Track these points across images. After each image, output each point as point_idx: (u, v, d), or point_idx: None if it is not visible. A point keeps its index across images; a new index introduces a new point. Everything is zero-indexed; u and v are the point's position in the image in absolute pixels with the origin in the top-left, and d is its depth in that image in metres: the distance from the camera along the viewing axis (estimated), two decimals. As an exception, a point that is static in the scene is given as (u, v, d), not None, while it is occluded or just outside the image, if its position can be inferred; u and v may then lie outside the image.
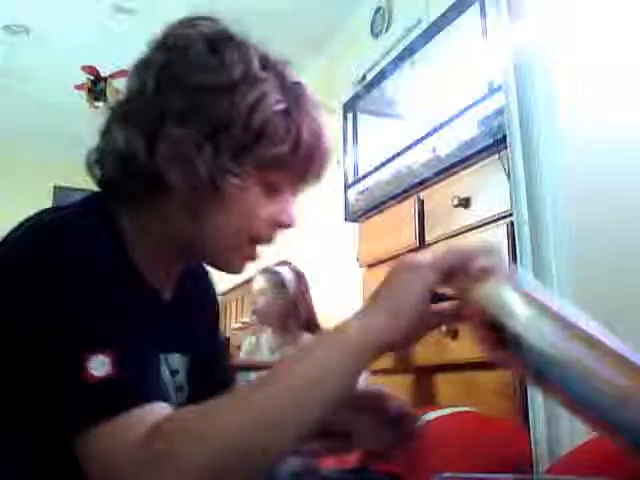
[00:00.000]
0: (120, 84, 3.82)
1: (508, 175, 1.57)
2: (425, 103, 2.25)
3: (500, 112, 1.66)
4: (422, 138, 2.09)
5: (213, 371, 0.89)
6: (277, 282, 2.53)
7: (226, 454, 0.56)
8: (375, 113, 2.73)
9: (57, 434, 0.60)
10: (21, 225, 0.70)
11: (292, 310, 2.51)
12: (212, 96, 0.69)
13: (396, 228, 2.14)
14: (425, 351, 1.81)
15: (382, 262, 2.15)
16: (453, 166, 1.92)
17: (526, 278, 0.63)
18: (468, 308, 0.62)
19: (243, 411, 0.57)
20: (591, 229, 1.36)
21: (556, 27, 1.49)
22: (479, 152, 1.80)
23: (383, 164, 2.30)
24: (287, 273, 2.56)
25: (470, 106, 1.87)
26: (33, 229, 0.68)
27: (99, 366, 0.58)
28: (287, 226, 0.77)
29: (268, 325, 2.61)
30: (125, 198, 0.74)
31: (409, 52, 2.33)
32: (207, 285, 0.95)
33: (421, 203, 2.05)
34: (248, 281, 2.86)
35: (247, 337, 2.83)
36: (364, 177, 2.44)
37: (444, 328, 1.70)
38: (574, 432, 1.26)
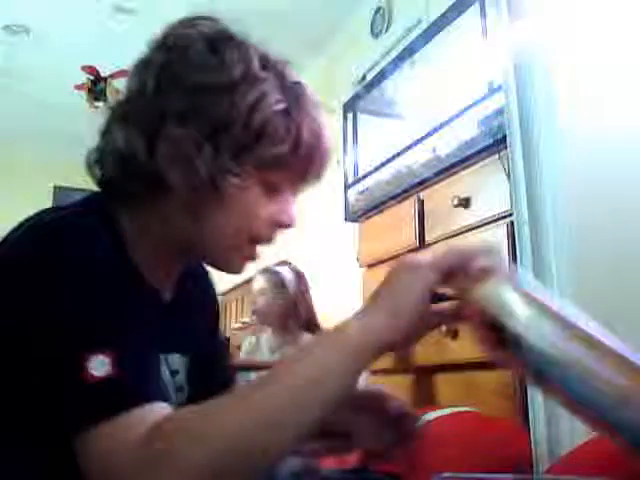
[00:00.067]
0: (120, 84, 3.82)
1: (508, 175, 1.57)
2: (425, 103, 2.25)
3: (500, 112, 1.66)
4: (422, 138, 2.09)
5: (213, 371, 0.89)
6: (277, 282, 2.54)
7: (226, 454, 0.56)
8: (375, 113, 2.73)
9: (57, 434, 0.60)
10: (21, 225, 0.70)
11: (292, 310, 2.51)
12: (212, 96, 0.69)
13: (396, 228, 2.14)
14: (425, 351, 1.81)
15: (382, 262, 2.15)
16: (453, 166, 1.92)
17: (526, 278, 0.63)
18: (468, 308, 0.62)
19: (243, 411, 0.57)
20: (591, 229, 1.36)
21: (556, 27, 1.49)
22: (479, 152, 1.80)
23: (383, 164, 2.30)
24: (287, 273, 2.56)
25: (470, 106, 1.87)
26: (33, 229, 0.68)
27: (99, 366, 0.58)
28: (287, 226, 0.77)
29: (268, 325, 2.61)
30: (125, 198, 0.74)
31: (409, 52, 2.33)
32: (207, 285, 0.95)
33: (421, 203, 2.05)
34: (248, 281, 2.86)
35: (247, 337, 2.84)
36: (364, 177, 2.44)
37: (444, 328, 1.70)
38: (574, 432, 1.26)
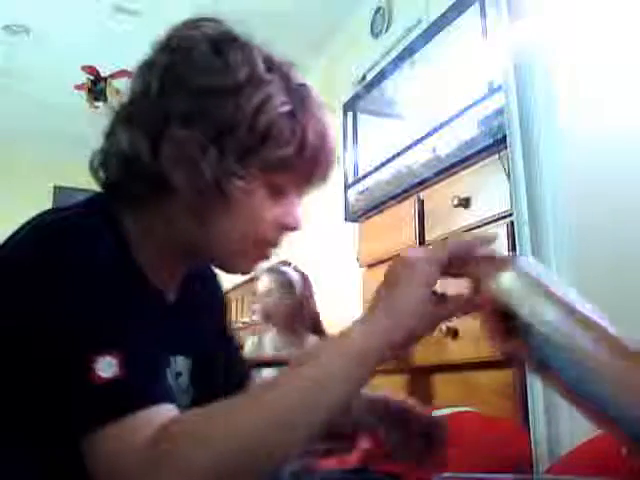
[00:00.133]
0: (120, 84, 3.82)
1: (508, 175, 1.57)
2: (425, 103, 2.25)
3: (500, 112, 1.66)
4: (422, 138, 2.09)
5: (225, 372, 0.89)
6: (284, 282, 2.52)
7: (231, 456, 0.56)
8: (375, 113, 2.74)
9: (58, 434, 0.60)
10: (24, 226, 0.70)
11: (298, 311, 2.50)
12: (217, 99, 0.69)
13: (396, 228, 2.14)
14: (425, 351, 1.81)
15: (382, 262, 2.15)
16: (453, 166, 1.92)
17: (528, 261, 0.63)
18: (478, 297, 0.62)
19: (248, 413, 0.57)
20: (591, 229, 1.36)
21: (556, 27, 1.49)
22: (479, 152, 1.80)
23: (383, 164, 2.30)
24: (293, 273, 2.55)
25: (470, 106, 1.87)
26: (35, 230, 0.68)
27: (107, 367, 0.58)
28: (293, 229, 0.76)
29: (273, 325, 2.59)
30: (129, 200, 0.74)
31: (409, 52, 2.33)
32: (215, 287, 0.95)
33: (421, 203, 2.05)
34: (248, 281, 2.86)
35: (249, 337, 2.83)
36: (364, 177, 2.44)
37: (444, 328, 1.70)
38: (574, 432, 1.26)
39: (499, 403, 1.59)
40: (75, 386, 0.59)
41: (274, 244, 0.77)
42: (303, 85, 0.74)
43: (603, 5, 1.43)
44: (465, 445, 1.31)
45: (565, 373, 0.57)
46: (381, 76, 2.54)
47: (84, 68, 3.84)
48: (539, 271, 0.61)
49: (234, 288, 3.66)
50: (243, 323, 3.62)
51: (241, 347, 2.94)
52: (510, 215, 1.57)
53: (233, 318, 3.89)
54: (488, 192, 1.75)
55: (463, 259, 0.62)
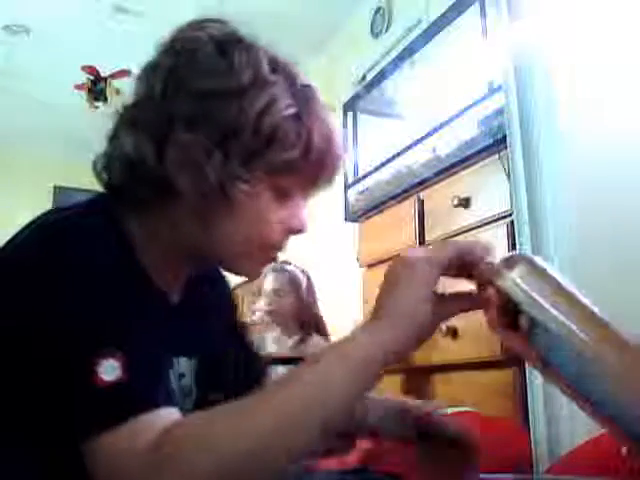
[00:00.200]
0: (120, 84, 3.83)
1: (508, 175, 1.57)
2: (425, 103, 2.25)
3: (500, 112, 1.66)
4: (422, 138, 2.09)
5: (244, 369, 0.89)
6: (291, 282, 2.52)
7: (233, 461, 0.55)
8: (375, 113, 2.74)
9: (59, 434, 0.60)
10: (28, 226, 0.69)
11: (304, 310, 2.50)
12: (221, 101, 0.68)
13: (396, 228, 2.14)
14: (425, 351, 1.81)
15: (382, 262, 2.15)
16: (453, 166, 1.92)
17: (532, 257, 0.63)
18: (479, 294, 0.62)
19: (251, 417, 0.57)
20: (591, 229, 1.36)
21: (556, 28, 1.49)
22: (479, 152, 1.80)
23: (383, 164, 2.31)
24: (299, 273, 2.55)
25: (470, 106, 1.87)
26: (38, 230, 0.68)
27: (109, 370, 0.58)
28: (298, 231, 0.76)
29: (278, 325, 2.58)
30: (134, 203, 0.73)
31: (409, 52, 2.34)
32: (223, 288, 0.94)
33: (421, 203, 2.05)
34: (247, 281, 2.85)
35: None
36: (364, 177, 2.44)
37: (444, 328, 1.70)
38: (574, 432, 1.26)
39: (499, 403, 1.59)
40: (77, 389, 0.59)
41: (280, 247, 0.76)
42: (308, 86, 0.74)
43: (603, 6, 1.43)
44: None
45: (565, 369, 0.58)
46: (381, 76, 2.54)
47: (84, 68, 3.84)
48: (544, 268, 0.61)
49: (234, 288, 3.65)
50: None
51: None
52: (510, 215, 1.58)
53: (233, 318, 3.89)
54: (488, 192, 1.75)
55: (464, 260, 0.62)
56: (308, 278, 2.57)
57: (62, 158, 4.87)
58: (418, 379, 1.98)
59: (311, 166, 0.72)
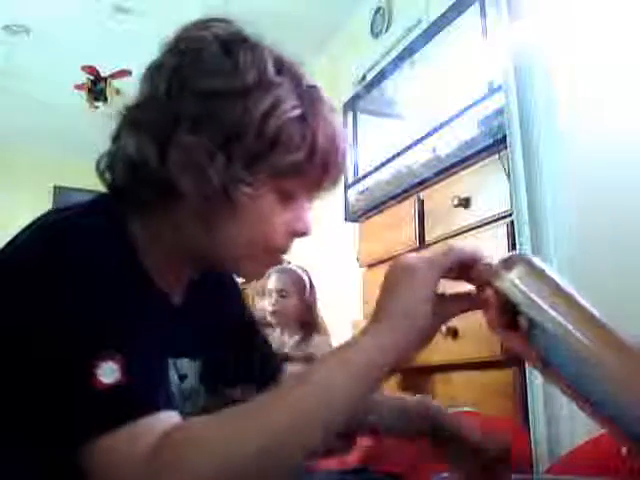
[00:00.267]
0: (120, 84, 3.83)
1: (508, 175, 1.57)
2: (425, 103, 2.25)
3: (500, 112, 1.66)
4: (422, 138, 2.09)
5: (260, 367, 0.89)
6: (295, 283, 2.52)
7: (235, 464, 0.55)
8: (375, 113, 2.73)
9: (59, 435, 0.60)
10: (29, 226, 0.69)
11: (306, 310, 2.50)
12: (225, 101, 0.67)
13: (396, 228, 2.14)
14: (425, 351, 1.80)
15: (382, 262, 2.16)
16: (453, 166, 1.92)
17: (532, 258, 0.63)
18: (479, 294, 0.62)
19: (251, 420, 0.57)
20: (591, 229, 1.36)
21: (556, 28, 1.49)
22: (479, 152, 1.80)
23: (383, 164, 2.30)
24: (302, 273, 2.55)
25: (470, 106, 1.87)
26: (39, 230, 0.68)
27: (109, 373, 0.57)
28: (303, 234, 0.75)
29: (281, 325, 2.58)
30: (137, 205, 0.73)
31: (409, 52, 2.33)
32: (231, 288, 0.94)
33: (421, 203, 2.05)
34: (246, 282, 2.85)
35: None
36: (364, 177, 2.44)
37: (444, 328, 1.70)
38: (574, 432, 1.26)
39: (499, 403, 1.59)
40: (76, 391, 0.58)
41: (284, 250, 0.76)
42: (314, 87, 0.73)
43: (603, 6, 1.43)
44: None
45: (565, 370, 0.58)
46: (381, 76, 2.54)
47: (84, 68, 3.84)
48: (543, 268, 0.61)
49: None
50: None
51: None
52: (510, 215, 1.58)
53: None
54: (488, 192, 1.75)
55: (465, 264, 0.62)
56: (309, 278, 2.57)
57: (62, 158, 4.87)
58: (418, 379, 1.97)
59: (316, 168, 0.71)
